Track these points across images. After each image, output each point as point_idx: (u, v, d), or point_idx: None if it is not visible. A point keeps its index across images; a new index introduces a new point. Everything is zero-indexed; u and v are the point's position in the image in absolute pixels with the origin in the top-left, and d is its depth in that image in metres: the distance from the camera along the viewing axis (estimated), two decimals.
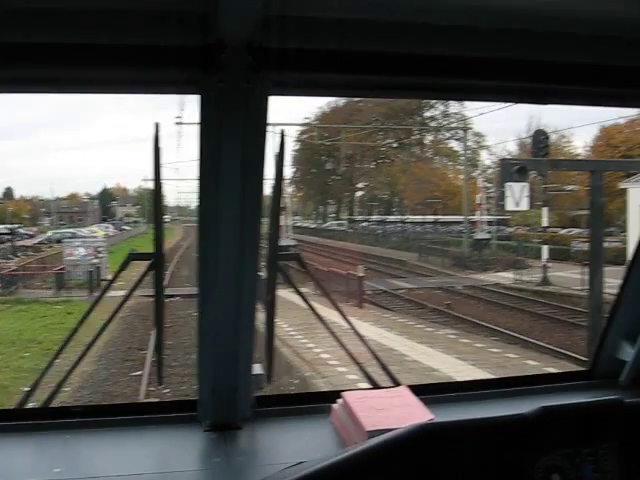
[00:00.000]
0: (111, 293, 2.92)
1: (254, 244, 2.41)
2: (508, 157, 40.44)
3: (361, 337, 3.10)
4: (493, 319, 20.95)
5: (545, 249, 27.64)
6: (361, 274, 22.59)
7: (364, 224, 53.38)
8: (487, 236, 34.61)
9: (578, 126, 53.11)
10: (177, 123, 31.42)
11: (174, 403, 3.00)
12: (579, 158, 45.39)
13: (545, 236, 31.07)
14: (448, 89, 2.36)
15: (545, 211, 29.78)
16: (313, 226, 59.22)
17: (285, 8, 1.97)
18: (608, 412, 2.18)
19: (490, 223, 37.68)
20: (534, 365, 13.64)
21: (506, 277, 28.97)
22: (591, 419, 2.16)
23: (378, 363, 3.04)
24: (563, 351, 15.85)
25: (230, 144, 2.16)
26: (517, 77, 2.27)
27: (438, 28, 2.09)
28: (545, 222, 30.41)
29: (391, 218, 51.94)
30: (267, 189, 2.37)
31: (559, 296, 24.23)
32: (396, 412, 2.51)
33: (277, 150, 2.43)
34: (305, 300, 2.96)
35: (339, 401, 2.66)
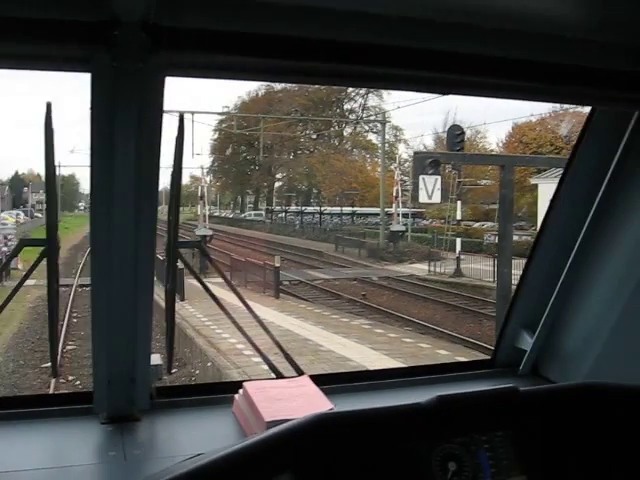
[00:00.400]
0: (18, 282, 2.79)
1: (150, 231, 2.33)
2: (422, 150, 41.26)
3: (264, 326, 3.06)
4: (407, 310, 21.34)
5: (458, 242, 28.34)
6: (277, 264, 22.58)
7: (282, 215, 53.44)
8: (402, 228, 35.13)
9: (491, 122, 54.59)
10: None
11: (71, 395, 2.90)
12: (492, 153, 46.60)
13: (459, 229, 31.86)
14: (353, 76, 2.34)
15: (459, 205, 30.54)
16: (231, 216, 58.85)
17: None
18: (503, 400, 2.22)
19: (406, 215, 38.29)
20: (445, 354, 13.98)
21: (421, 268, 29.56)
22: (486, 407, 2.20)
23: (282, 353, 3.00)
24: (474, 341, 16.28)
25: (124, 126, 2.08)
26: (423, 66, 2.27)
27: (343, 14, 2.07)
28: (459, 215, 31.20)
29: (309, 209, 52.14)
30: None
31: (471, 287, 24.92)
32: (296, 402, 2.50)
33: (176, 135, 2.35)
34: (206, 288, 2.90)
35: (240, 391, 2.62)
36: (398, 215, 35.46)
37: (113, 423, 2.57)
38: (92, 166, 2.15)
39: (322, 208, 50.32)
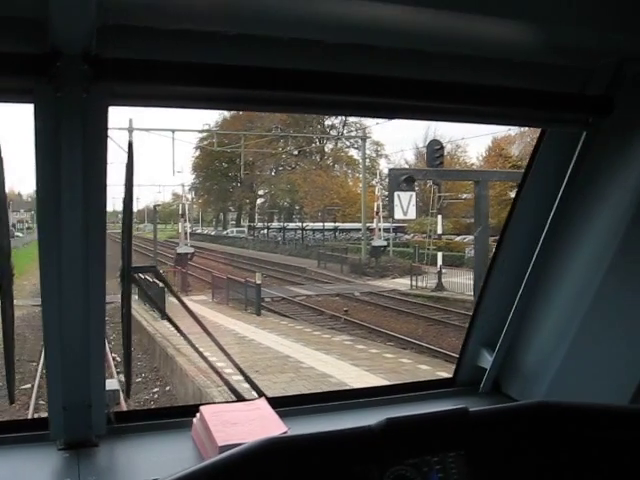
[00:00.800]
0: None
1: (100, 256, 2.33)
2: (397, 167, 41.51)
3: (223, 349, 3.06)
4: (389, 325, 21.32)
5: (440, 256, 28.38)
6: (259, 281, 22.53)
7: (264, 231, 53.35)
8: (384, 243, 35.17)
9: (470, 137, 54.84)
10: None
11: (28, 421, 2.88)
12: (473, 168, 46.88)
13: (440, 243, 31.94)
14: (298, 103, 2.37)
15: (439, 219, 30.63)
16: (213, 233, 58.67)
17: (126, 18, 1.94)
18: (453, 421, 2.22)
19: (388, 230, 38.36)
20: (426, 369, 13.96)
21: (403, 283, 29.55)
22: (436, 428, 2.20)
23: (241, 375, 3.00)
24: (455, 355, 16.18)
25: (69, 155, 2.09)
26: (370, 92, 2.31)
27: (283, 42, 2.12)
28: (440, 229, 31.27)
29: (291, 225, 52.08)
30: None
31: (453, 301, 24.93)
32: (250, 426, 2.49)
33: (126, 162, 2.36)
34: (160, 309, 2.88)
35: (197, 415, 2.62)
36: (380, 230, 35.51)
37: (70, 449, 2.55)
38: (38, 196, 2.16)
39: (304, 224, 50.31)
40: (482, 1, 1.98)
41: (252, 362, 14.66)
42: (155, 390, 14.89)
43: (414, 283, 28.49)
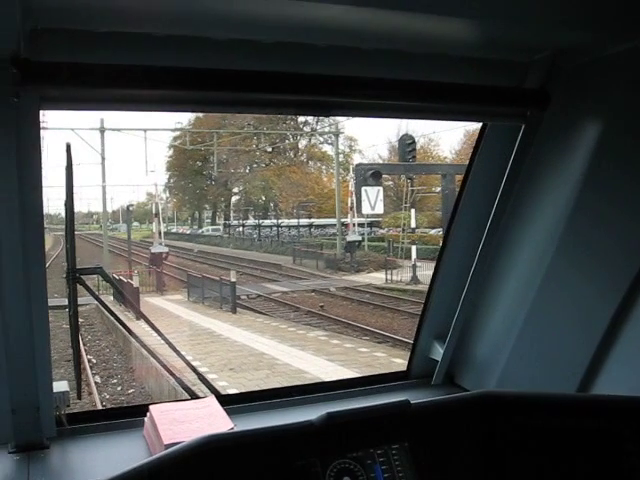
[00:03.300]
0: None
1: (39, 258, 2.33)
2: (364, 162, 41.53)
3: (175, 349, 3.06)
4: (364, 319, 21.38)
5: (414, 249, 28.51)
6: (234, 279, 22.47)
7: (240, 229, 53.18)
8: (359, 238, 35.21)
9: (441, 131, 55.02)
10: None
11: None
12: (446, 162, 47.01)
13: (414, 237, 32.06)
14: (231, 103, 2.37)
15: (413, 212, 30.76)
16: (189, 232, 58.38)
17: (56, 21, 1.93)
18: (395, 414, 2.24)
19: (362, 225, 38.42)
20: (400, 363, 14.01)
21: (378, 277, 29.63)
22: (378, 422, 2.22)
23: (195, 374, 3.01)
24: None
25: (3, 159, 2.09)
26: (299, 90, 2.33)
27: (212, 41, 2.13)
28: (413, 223, 31.39)
29: (267, 222, 51.93)
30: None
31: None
32: (197, 424, 2.51)
33: (65, 164, 2.37)
34: (109, 310, 2.89)
35: (147, 414, 2.63)
36: (354, 225, 35.56)
37: (21, 452, 2.56)
38: None
39: (279, 221, 50.24)
40: None
41: (227, 360, 14.66)
42: (131, 391, 14.81)
43: (389, 277, 28.60)
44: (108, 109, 2.29)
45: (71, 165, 2.38)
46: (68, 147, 2.36)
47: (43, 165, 2.17)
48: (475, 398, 2.41)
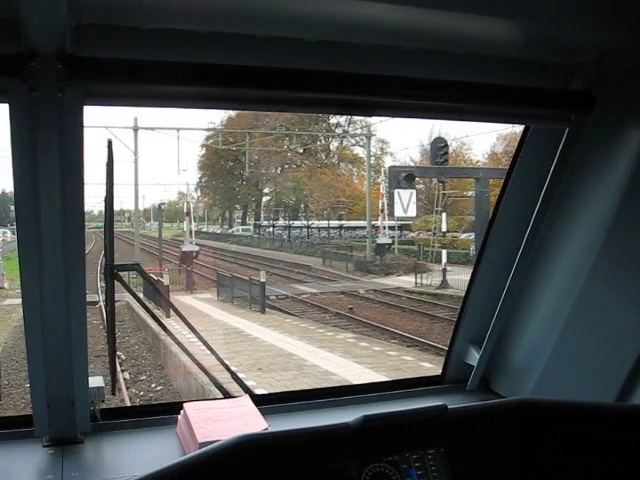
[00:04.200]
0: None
1: (79, 254, 2.34)
2: (398, 165, 41.37)
3: (210, 347, 3.07)
4: (393, 322, 21.30)
5: (444, 253, 28.34)
6: (263, 279, 22.53)
7: (270, 229, 53.34)
8: (389, 241, 35.13)
9: (474, 135, 54.68)
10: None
11: (14, 418, 2.89)
12: (479, 165, 46.71)
13: (445, 241, 31.87)
14: (280, 101, 2.36)
15: (444, 216, 30.58)
16: (219, 231, 58.70)
17: (101, 17, 1.94)
18: (431, 419, 2.22)
19: (392, 228, 38.30)
20: (429, 367, 13.93)
21: (407, 281, 29.50)
22: (414, 426, 2.20)
23: (228, 372, 3.01)
24: None
25: (46, 155, 2.10)
26: (347, 90, 2.31)
27: (260, 40, 2.12)
28: (444, 227, 31.22)
29: (297, 223, 52.05)
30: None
31: (457, 299, 24.81)
32: (232, 423, 2.51)
33: (106, 161, 2.37)
34: (144, 305, 2.91)
35: (181, 412, 2.64)
36: (385, 228, 35.47)
37: (55, 446, 2.58)
38: (16, 196, 2.16)
39: (310, 222, 50.29)
40: None
41: (255, 360, 14.69)
42: (159, 388, 14.92)
43: (419, 281, 28.46)
44: (150, 105, 2.30)
45: (112, 162, 2.38)
46: (110, 143, 2.37)
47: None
48: (513, 405, 2.37)
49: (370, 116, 2.51)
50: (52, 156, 2.11)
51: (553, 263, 2.89)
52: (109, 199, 2.48)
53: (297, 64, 2.20)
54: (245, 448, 1.97)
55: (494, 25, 2.17)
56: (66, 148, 2.12)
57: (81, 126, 2.12)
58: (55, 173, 2.13)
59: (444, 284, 27.10)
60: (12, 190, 2.21)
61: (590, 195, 2.71)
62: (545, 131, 2.79)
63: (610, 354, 2.79)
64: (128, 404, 12.58)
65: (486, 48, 2.37)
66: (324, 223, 49.18)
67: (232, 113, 53.80)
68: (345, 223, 49.08)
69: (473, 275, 3.17)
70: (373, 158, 45.45)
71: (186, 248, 30.10)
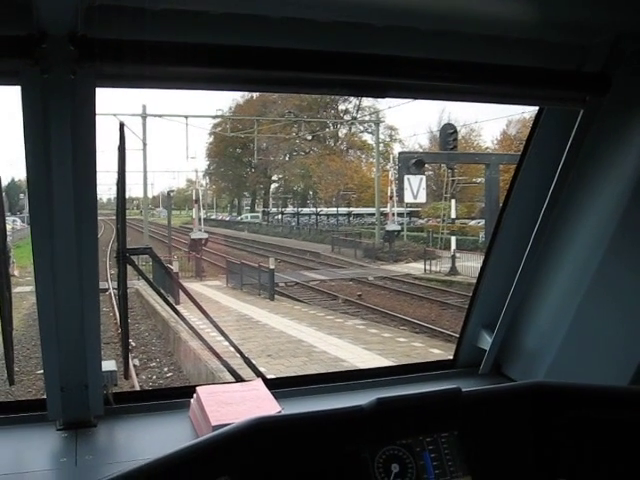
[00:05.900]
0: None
1: (92, 239, 2.34)
2: (406, 150, 41.25)
3: (222, 332, 3.07)
4: (402, 309, 21.30)
5: (453, 240, 28.27)
6: (272, 266, 22.56)
7: (279, 216, 53.38)
8: (398, 228, 35.03)
9: (484, 120, 54.33)
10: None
11: (28, 402, 2.91)
12: (487, 152, 46.49)
13: (454, 227, 31.80)
14: (292, 82, 2.35)
15: (453, 203, 30.49)
16: (228, 219, 58.76)
17: None
18: (445, 402, 2.22)
19: (401, 215, 38.24)
20: (438, 353, 13.93)
21: (416, 267, 29.45)
22: (428, 409, 2.20)
23: (240, 356, 3.02)
24: None
25: (58, 137, 2.10)
26: (360, 71, 2.29)
27: (274, 20, 2.10)
28: (453, 214, 31.13)
29: (305, 210, 52.07)
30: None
31: (466, 285, 24.79)
32: (245, 406, 2.52)
33: (118, 144, 2.36)
34: (156, 290, 2.91)
35: (194, 396, 2.64)
36: (393, 215, 35.40)
37: (69, 429, 2.60)
38: (28, 178, 2.16)
39: (318, 209, 50.26)
40: None
41: (265, 346, 14.72)
42: (169, 375, 15.00)
43: (428, 267, 28.41)
44: (162, 87, 2.28)
45: (124, 144, 2.37)
46: (121, 126, 2.35)
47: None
48: (527, 388, 2.37)
49: (383, 97, 2.49)
50: (64, 138, 2.10)
51: (566, 246, 2.88)
52: (121, 183, 2.47)
53: (311, 45, 2.18)
54: (260, 430, 1.98)
55: (508, 5, 2.15)
56: (78, 130, 2.11)
57: (93, 108, 2.12)
58: (68, 156, 2.13)
59: (453, 271, 27.06)
60: (20, 179, 2.20)
61: (604, 178, 2.68)
62: (559, 114, 2.77)
63: (623, 337, 2.78)
64: (137, 387, 12.65)
65: (500, 29, 2.35)
66: (333, 210, 49.18)
67: (240, 100, 53.87)
68: (354, 210, 49.06)
69: (486, 259, 3.16)
70: (382, 145, 45.33)
71: (195, 235, 30.15)
